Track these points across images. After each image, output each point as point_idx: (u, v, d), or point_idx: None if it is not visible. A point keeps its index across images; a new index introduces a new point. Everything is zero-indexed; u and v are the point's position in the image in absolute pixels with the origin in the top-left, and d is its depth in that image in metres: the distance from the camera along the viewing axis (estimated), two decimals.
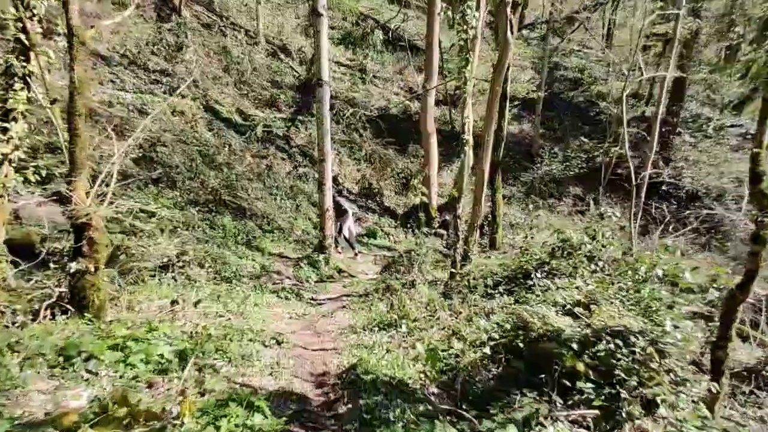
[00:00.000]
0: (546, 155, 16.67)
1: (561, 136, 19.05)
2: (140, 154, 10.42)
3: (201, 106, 13.62)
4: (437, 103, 17.52)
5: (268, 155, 13.63)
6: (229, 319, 4.51)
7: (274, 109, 16.01)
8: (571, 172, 15.37)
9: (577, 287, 3.97)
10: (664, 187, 15.60)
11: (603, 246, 4.47)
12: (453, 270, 5.65)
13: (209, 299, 5.14)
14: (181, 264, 5.89)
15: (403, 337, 4.12)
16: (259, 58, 17.50)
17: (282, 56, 18.50)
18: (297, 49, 18.68)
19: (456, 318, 4.09)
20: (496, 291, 4.54)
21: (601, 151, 15.66)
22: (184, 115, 12.82)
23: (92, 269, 3.76)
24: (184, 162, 11.10)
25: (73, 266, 3.73)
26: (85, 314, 3.80)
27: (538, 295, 4.10)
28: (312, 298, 6.55)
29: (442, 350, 3.57)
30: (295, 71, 18.42)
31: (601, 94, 20.72)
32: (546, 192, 16.50)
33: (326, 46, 8.17)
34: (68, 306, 3.81)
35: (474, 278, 4.86)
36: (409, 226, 13.60)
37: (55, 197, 7.97)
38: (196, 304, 4.38)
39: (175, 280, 5.90)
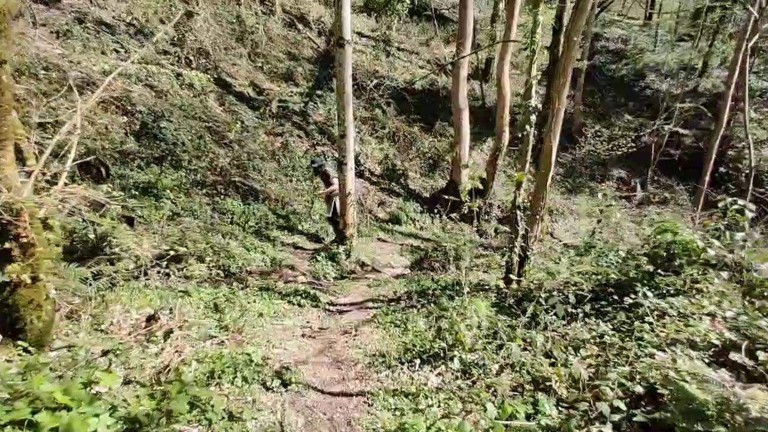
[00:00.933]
0: (588, 134, 15.09)
1: (603, 113, 17.36)
2: (140, 129, 9.43)
3: (211, 79, 12.54)
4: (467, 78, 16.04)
5: (284, 132, 12.51)
6: (223, 342, 3.42)
7: (291, 82, 14.83)
8: (616, 153, 13.80)
9: (710, 314, 2.74)
10: (722, 169, 13.91)
11: (734, 251, 3.14)
12: (510, 276, 4.43)
13: (202, 309, 4.08)
14: (171, 260, 4.85)
15: (457, 377, 2.97)
16: (275, 28, 16.29)
17: (300, 26, 17.21)
18: (316, 19, 17.36)
19: (531, 352, 2.92)
20: (579, 310, 3.30)
21: (652, 129, 14.01)
22: (193, 89, 11.76)
23: (28, 280, 2.71)
24: (191, 139, 10.08)
25: None
26: (20, 341, 2.76)
27: (651, 323, 2.88)
28: (330, 303, 5.42)
29: (527, 415, 2.39)
30: (314, 42, 17.16)
31: (648, 67, 18.83)
32: (586, 174, 15.00)
33: (348, 1, 6.93)
34: None
35: (543, 289, 3.63)
36: (436, 211, 12.39)
37: None
38: (180, 326, 3.31)
39: (168, 278, 4.90)
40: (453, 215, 11.45)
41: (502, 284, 4.61)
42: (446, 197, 12.41)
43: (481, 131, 15.52)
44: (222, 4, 14.93)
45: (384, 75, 16.42)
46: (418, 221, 12.26)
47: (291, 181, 11.38)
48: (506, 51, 11.96)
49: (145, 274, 4.51)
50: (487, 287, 4.70)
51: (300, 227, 9.58)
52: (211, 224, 7.68)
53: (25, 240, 2.68)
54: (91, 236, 4.95)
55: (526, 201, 5.07)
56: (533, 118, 4.24)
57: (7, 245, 2.62)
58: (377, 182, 13.04)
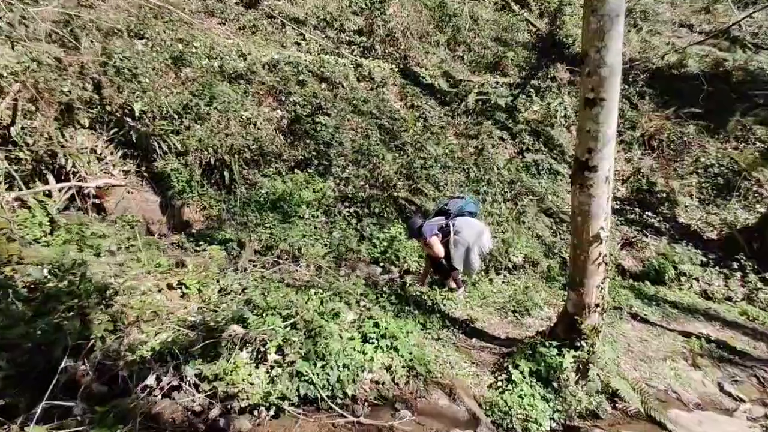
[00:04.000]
0: None
1: None
2: (289, 124, 7.26)
3: (396, 69, 10.01)
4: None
5: (481, 134, 9.00)
6: None
7: (497, 73, 11.30)
8: None
9: None
10: None
11: None
12: None
13: None
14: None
15: None
16: (483, 11, 13.05)
17: (515, 7, 13.58)
18: None
19: None
20: None
21: None
22: (372, 80, 9.38)
23: None
24: (353, 139, 7.53)
25: None
26: None
27: None
28: None
29: None
30: (532, 25, 13.28)
31: None
32: None
33: None
34: None
35: None
36: (736, 264, 6.98)
37: None
38: None
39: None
40: None
41: None
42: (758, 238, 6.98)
43: None
44: None
45: (633, 54, 11.36)
46: (699, 280, 7.06)
47: (483, 201, 7.78)
48: None
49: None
50: None
51: (488, 288, 5.89)
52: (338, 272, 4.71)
53: None
54: None
55: None
56: None
57: None
58: (621, 209, 8.28)
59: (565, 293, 5.27)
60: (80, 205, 5.39)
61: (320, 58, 9.26)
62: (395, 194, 6.67)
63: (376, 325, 3.27)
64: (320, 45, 10.22)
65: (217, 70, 7.69)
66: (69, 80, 5.71)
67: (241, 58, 8.37)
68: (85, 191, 5.38)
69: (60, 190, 5.24)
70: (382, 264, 5.82)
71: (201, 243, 5.12)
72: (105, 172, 5.62)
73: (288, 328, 3.03)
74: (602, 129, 2.98)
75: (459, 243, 4.63)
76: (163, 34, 7.83)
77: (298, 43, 10.17)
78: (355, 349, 3.03)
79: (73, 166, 5.31)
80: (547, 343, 3.38)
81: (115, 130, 5.84)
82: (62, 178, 5.34)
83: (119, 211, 5.55)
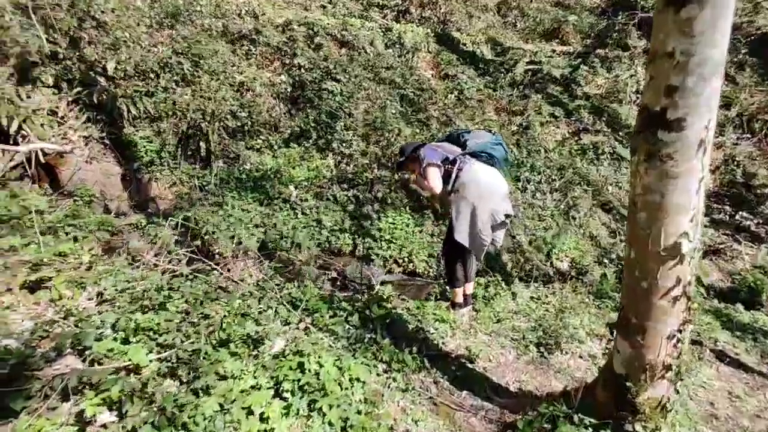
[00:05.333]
0: None
1: None
2: (292, 91, 6.19)
3: (431, 34, 8.62)
4: None
5: (527, 109, 7.46)
6: None
7: (555, 41, 9.57)
8: None
9: None
10: None
11: None
12: None
13: None
14: None
15: None
16: None
17: None
18: None
19: None
20: None
21: None
22: (402, 46, 8.07)
23: None
24: (367, 110, 6.33)
25: None
26: None
27: None
28: None
29: None
30: None
31: None
32: None
33: None
34: None
35: None
36: None
37: None
38: None
39: None
40: None
41: None
42: None
43: None
44: None
45: (735, 21, 9.15)
46: None
47: (525, 190, 6.32)
48: None
49: None
50: None
51: (526, 301, 4.50)
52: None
53: None
54: None
55: None
56: None
57: None
58: (706, 207, 6.47)
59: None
60: (29, 174, 4.63)
61: (344, 21, 8.10)
62: (407, 176, 5.40)
63: (301, 366, 2.11)
64: (348, 8, 9.05)
65: (219, 30, 6.75)
66: (32, 31, 4.95)
67: (252, 18, 7.39)
68: (36, 158, 4.61)
69: (2, 154, 4.50)
70: (374, 261, 4.64)
71: (160, 226, 4.20)
72: (62, 137, 4.82)
73: (156, 367, 1.96)
74: (698, 50, 1.59)
75: (463, 197, 3.05)
76: None
77: (324, 6, 9.07)
78: (249, 411, 1.90)
79: (20, 128, 4.54)
80: (576, 417, 2.06)
81: (80, 89, 5.02)
82: (9, 142, 4.59)
83: (75, 183, 4.75)
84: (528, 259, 5.07)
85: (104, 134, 4.98)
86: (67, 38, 5.22)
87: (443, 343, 2.92)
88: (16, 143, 4.59)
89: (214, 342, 2.21)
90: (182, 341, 2.10)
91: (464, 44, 8.72)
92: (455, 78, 7.71)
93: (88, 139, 4.93)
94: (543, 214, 6.09)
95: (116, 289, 2.42)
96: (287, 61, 6.52)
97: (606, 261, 5.53)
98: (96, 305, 2.49)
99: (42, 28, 5.04)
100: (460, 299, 3.34)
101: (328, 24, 7.77)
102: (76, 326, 2.23)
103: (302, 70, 6.33)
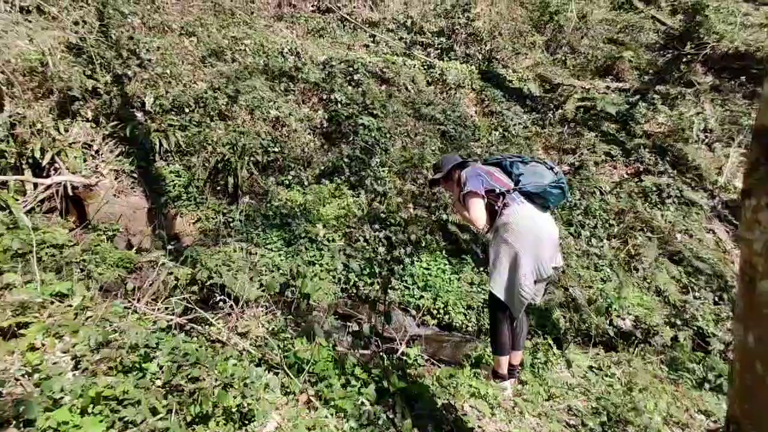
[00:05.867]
0: None
1: None
2: (326, 126, 5.99)
3: (476, 71, 8.34)
4: None
5: (580, 147, 6.89)
6: None
7: (609, 77, 9.02)
8: None
9: None
10: None
11: None
12: None
13: None
14: None
15: None
16: (595, 9, 10.93)
17: (639, 5, 11.20)
18: None
19: None
20: None
21: None
22: (444, 83, 7.82)
23: None
24: (404, 146, 6.01)
25: None
26: None
27: None
28: None
29: None
30: (661, 23, 10.79)
31: None
32: None
33: None
34: None
35: None
36: None
37: None
38: None
39: None
40: None
41: None
42: None
43: None
44: None
45: None
46: None
47: (578, 236, 5.67)
48: None
49: None
50: None
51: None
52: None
53: None
54: None
55: None
56: None
57: None
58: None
59: (703, 398, 3.08)
60: (58, 206, 4.57)
61: (386, 59, 7.99)
62: (445, 217, 4.93)
63: None
64: (390, 47, 8.99)
65: (261, 67, 6.76)
66: (77, 68, 5.06)
67: (294, 56, 7.40)
68: (64, 191, 4.56)
69: (35, 187, 4.47)
70: (411, 312, 4.13)
71: (176, 266, 3.95)
72: (94, 170, 4.78)
73: None
74: None
75: (504, 240, 2.55)
76: (215, 32, 7.18)
77: (367, 46, 9.07)
78: None
79: (53, 160, 4.53)
80: None
81: (116, 123, 5.02)
82: (42, 174, 4.58)
83: (101, 216, 4.64)
84: (584, 317, 4.39)
85: (135, 167, 4.91)
86: (111, 75, 5.31)
87: (479, 426, 2.35)
88: (48, 176, 4.58)
89: (190, 417, 1.79)
90: (148, 417, 1.70)
91: (510, 81, 8.36)
92: (500, 114, 7.30)
93: (118, 173, 4.86)
94: (600, 263, 5.40)
95: (88, 345, 2.08)
96: (324, 97, 6.37)
97: (678, 322, 4.72)
98: (72, 359, 2.15)
99: (87, 65, 5.16)
100: (503, 370, 2.74)
101: (369, 62, 7.67)
102: (37, 386, 1.89)
103: (339, 105, 6.14)
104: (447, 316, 4.29)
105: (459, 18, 9.37)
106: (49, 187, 4.52)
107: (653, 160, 6.92)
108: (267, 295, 3.19)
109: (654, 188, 6.38)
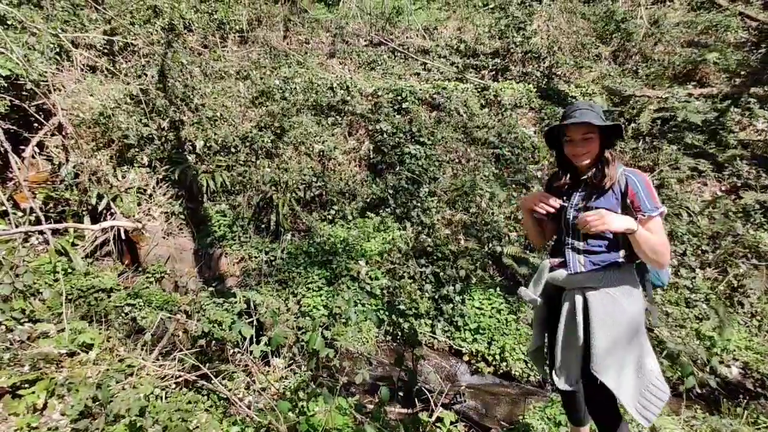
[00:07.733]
0: None
1: None
2: (371, 157, 5.80)
3: (533, 90, 7.82)
4: None
5: (659, 163, 6.07)
6: None
7: (691, 83, 8.03)
8: None
9: None
10: None
11: None
12: None
13: None
14: None
15: None
16: (669, 13, 10.05)
17: (722, 2, 10.12)
18: None
19: None
20: None
21: None
22: (499, 104, 7.40)
23: None
24: (455, 173, 5.64)
25: None
26: None
27: None
28: None
29: None
30: (751, 19, 9.65)
31: None
32: None
33: None
34: None
35: None
36: None
37: None
38: None
39: None
40: None
41: None
42: None
43: None
44: None
45: None
46: None
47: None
48: None
49: None
50: None
51: None
52: None
53: None
54: None
55: None
56: None
57: None
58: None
59: None
60: (113, 250, 4.73)
61: (436, 85, 7.74)
62: (499, 249, 4.42)
63: None
64: (442, 73, 8.75)
65: (309, 103, 6.80)
66: (134, 117, 5.35)
67: (343, 90, 7.40)
68: (118, 235, 4.72)
69: (89, 234, 4.67)
70: (465, 357, 3.67)
71: (219, 305, 3.87)
72: (147, 214, 4.93)
73: None
74: None
75: (640, 296, 1.92)
76: (268, 74, 7.41)
77: (418, 74, 8.90)
78: None
79: (108, 206, 4.72)
80: None
81: (168, 167, 5.19)
82: (99, 219, 4.79)
83: (151, 258, 4.73)
84: (678, 365, 3.63)
85: (183, 209, 5.00)
86: (167, 121, 5.56)
87: None
88: (105, 221, 4.78)
89: None
90: None
91: (574, 97, 7.71)
92: None
93: (168, 215, 4.98)
94: (692, 297, 4.55)
95: (85, 407, 1.92)
96: (371, 128, 6.22)
97: None
98: (70, 422, 2.00)
99: (144, 114, 5.44)
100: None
101: (420, 89, 7.47)
102: None
103: (385, 135, 5.93)
104: (504, 363, 3.75)
105: (514, 37, 8.94)
106: (105, 231, 4.70)
107: (754, 173, 5.89)
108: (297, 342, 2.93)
109: (757, 206, 5.38)
